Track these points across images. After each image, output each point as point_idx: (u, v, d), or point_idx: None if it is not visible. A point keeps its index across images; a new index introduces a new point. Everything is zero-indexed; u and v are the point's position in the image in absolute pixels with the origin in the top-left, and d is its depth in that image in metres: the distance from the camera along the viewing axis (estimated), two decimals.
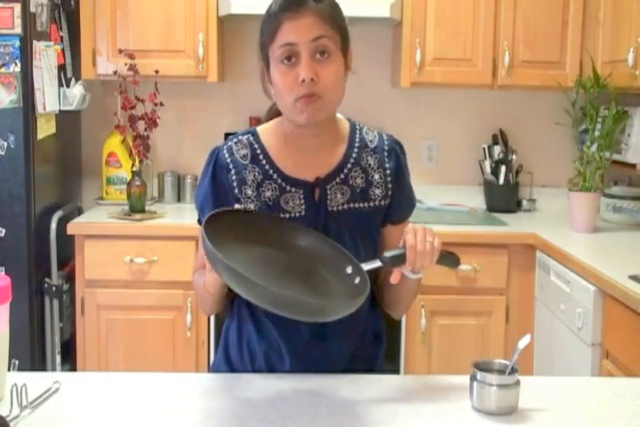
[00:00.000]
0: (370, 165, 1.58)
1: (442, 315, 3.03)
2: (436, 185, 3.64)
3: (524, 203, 3.58)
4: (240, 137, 1.59)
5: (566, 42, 3.27)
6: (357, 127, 1.62)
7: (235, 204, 1.53)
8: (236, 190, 1.55)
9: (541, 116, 3.61)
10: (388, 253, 1.41)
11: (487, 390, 1.32)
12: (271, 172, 1.55)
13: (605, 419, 1.31)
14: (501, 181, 3.51)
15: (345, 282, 1.41)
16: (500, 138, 3.57)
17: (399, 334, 3.02)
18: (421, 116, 3.65)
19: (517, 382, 1.33)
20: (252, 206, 1.53)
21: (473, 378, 1.34)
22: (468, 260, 2.98)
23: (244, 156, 1.56)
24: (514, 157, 3.51)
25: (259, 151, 1.56)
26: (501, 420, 1.29)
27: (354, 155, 1.57)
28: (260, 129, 1.61)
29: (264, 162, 1.55)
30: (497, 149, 3.54)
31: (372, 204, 1.57)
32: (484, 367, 1.36)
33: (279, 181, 1.54)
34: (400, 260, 1.40)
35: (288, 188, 1.54)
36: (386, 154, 1.60)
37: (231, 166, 1.55)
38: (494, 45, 3.26)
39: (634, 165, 3.01)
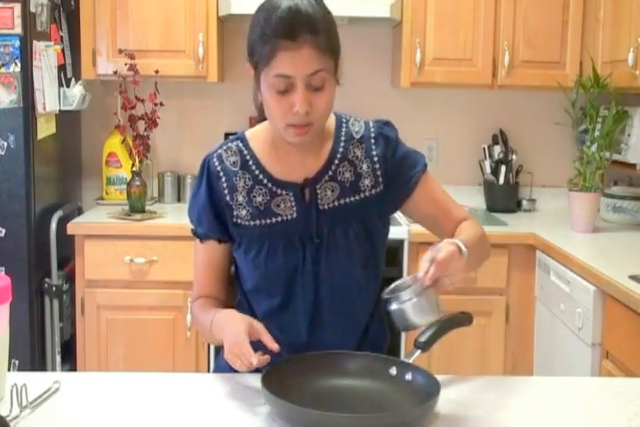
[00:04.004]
0: (357, 156, 1.58)
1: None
2: None
3: (524, 203, 3.58)
4: (229, 144, 1.60)
5: (566, 42, 3.27)
6: (343, 120, 1.61)
7: (227, 211, 1.55)
8: (228, 197, 1.56)
9: (541, 116, 3.61)
10: (421, 338, 1.43)
11: (406, 305, 1.34)
12: (261, 177, 1.56)
13: (605, 419, 1.31)
14: (501, 181, 3.51)
15: (397, 384, 1.38)
16: (500, 138, 3.57)
17: (399, 333, 3.02)
18: (421, 116, 3.65)
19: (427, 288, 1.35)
20: (243, 213, 1.54)
21: (388, 304, 1.37)
22: None
23: (234, 163, 1.57)
24: (514, 157, 3.51)
25: (248, 157, 1.57)
26: (500, 419, 1.29)
27: (340, 149, 1.57)
28: (249, 134, 1.61)
29: (254, 168, 1.56)
30: (497, 149, 3.54)
31: (362, 195, 1.58)
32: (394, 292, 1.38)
33: (269, 185, 1.55)
34: (433, 342, 1.42)
35: (278, 191, 1.55)
36: (372, 141, 1.59)
37: (221, 174, 1.57)
38: (494, 45, 3.26)
39: (634, 165, 3.01)
